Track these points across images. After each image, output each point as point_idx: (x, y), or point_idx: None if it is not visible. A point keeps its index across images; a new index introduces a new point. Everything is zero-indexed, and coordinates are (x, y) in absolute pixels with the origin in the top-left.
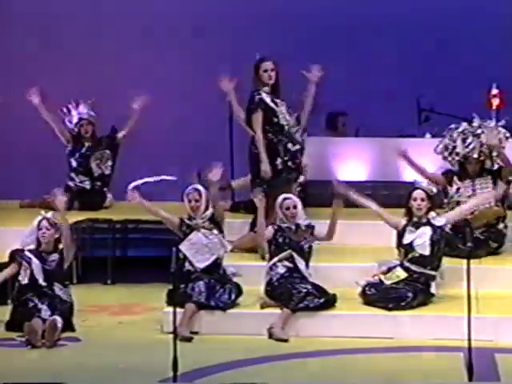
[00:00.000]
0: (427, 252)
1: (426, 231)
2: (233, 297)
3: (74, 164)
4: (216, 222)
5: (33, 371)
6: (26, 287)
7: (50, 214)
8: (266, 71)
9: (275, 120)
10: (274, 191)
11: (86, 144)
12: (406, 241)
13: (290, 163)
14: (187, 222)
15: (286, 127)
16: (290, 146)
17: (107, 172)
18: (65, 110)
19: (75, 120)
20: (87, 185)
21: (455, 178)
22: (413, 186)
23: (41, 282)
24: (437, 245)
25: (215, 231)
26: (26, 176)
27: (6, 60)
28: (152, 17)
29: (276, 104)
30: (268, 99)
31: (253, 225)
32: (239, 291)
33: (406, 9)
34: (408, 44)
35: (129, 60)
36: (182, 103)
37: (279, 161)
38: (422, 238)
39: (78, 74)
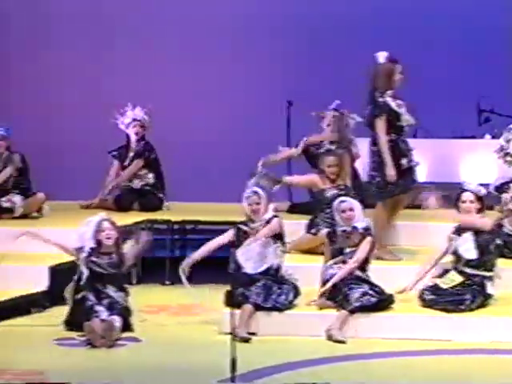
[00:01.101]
0: (474, 256)
1: (468, 236)
2: (290, 298)
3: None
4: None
5: (92, 371)
6: (82, 287)
7: (104, 215)
8: (401, 73)
9: (398, 123)
10: (404, 191)
11: (131, 154)
12: (452, 248)
13: (412, 162)
14: (243, 228)
15: (406, 128)
16: (410, 145)
17: (151, 181)
18: (122, 110)
19: (128, 120)
20: (143, 186)
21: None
22: (461, 187)
23: (97, 283)
24: (485, 247)
25: (270, 239)
26: (87, 177)
27: (59, 61)
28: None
29: (399, 106)
30: (393, 103)
31: (309, 226)
32: (296, 292)
33: (471, 9)
34: (470, 45)
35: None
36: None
37: (404, 160)
38: (465, 244)
39: (138, 77)
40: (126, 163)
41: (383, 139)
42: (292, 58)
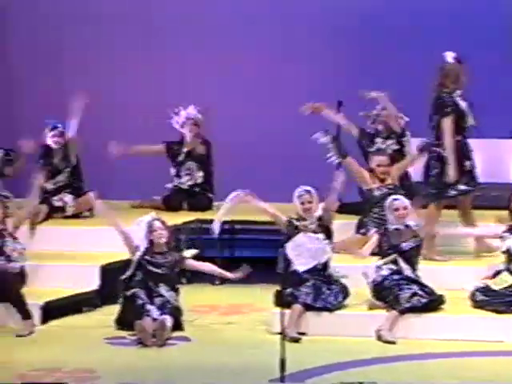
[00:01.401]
0: None
1: None
2: (339, 299)
3: (173, 170)
4: (325, 227)
5: (143, 370)
6: (134, 284)
7: (154, 215)
8: (466, 74)
9: (463, 124)
10: (464, 194)
11: (186, 148)
12: (504, 247)
13: (474, 165)
14: (295, 222)
15: (468, 129)
16: (471, 147)
17: (199, 181)
18: (176, 110)
19: (182, 119)
20: (191, 186)
21: None
22: None
23: (149, 281)
24: None
25: (321, 236)
26: (137, 177)
27: (123, 60)
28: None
29: (466, 107)
30: (462, 103)
31: (358, 226)
32: (346, 293)
33: None
34: None
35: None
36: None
37: (467, 163)
38: None
39: (189, 77)
40: (180, 159)
41: (450, 139)
42: (343, 57)
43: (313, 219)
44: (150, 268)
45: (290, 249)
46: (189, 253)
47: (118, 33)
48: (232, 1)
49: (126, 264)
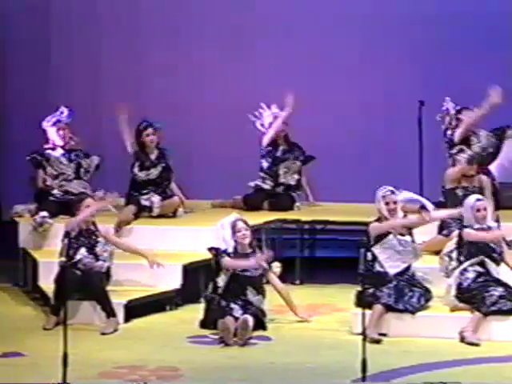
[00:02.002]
0: None
1: None
2: (422, 301)
3: (265, 165)
4: (410, 228)
5: (225, 369)
6: (222, 289)
7: (237, 215)
8: None
9: None
10: None
11: (281, 147)
12: None
13: None
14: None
15: None
16: None
17: (292, 183)
18: (256, 113)
19: (268, 121)
20: (272, 187)
21: None
22: None
23: (235, 284)
24: None
25: (409, 238)
26: (218, 176)
27: (188, 60)
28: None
29: None
30: None
31: (441, 227)
32: (429, 296)
33: None
34: None
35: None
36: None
37: None
38: None
39: (268, 78)
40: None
41: None
42: (424, 56)
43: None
44: (236, 271)
45: (379, 252)
46: (276, 266)
47: (205, 30)
48: (314, 1)
49: (207, 264)
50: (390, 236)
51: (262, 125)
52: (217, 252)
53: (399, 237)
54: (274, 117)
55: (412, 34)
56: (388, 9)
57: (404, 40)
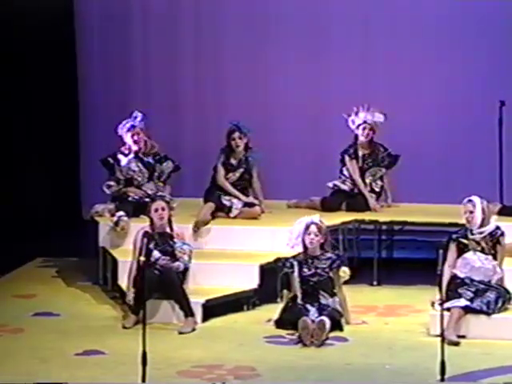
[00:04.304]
0: None
1: None
2: (499, 303)
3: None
4: (497, 243)
5: (302, 369)
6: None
7: (316, 218)
8: None
9: None
10: None
11: (361, 152)
12: None
13: None
14: (462, 240)
15: None
16: None
17: (377, 190)
18: (355, 109)
19: (358, 122)
20: (351, 189)
21: None
22: None
23: (307, 288)
24: None
25: (490, 257)
26: (295, 176)
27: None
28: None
29: None
30: None
31: None
32: (508, 298)
33: None
34: None
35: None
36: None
37: None
38: None
39: (362, 77)
40: (359, 164)
41: None
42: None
43: (483, 234)
44: (306, 275)
45: (460, 265)
46: (343, 271)
47: (283, 31)
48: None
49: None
50: (471, 252)
51: (353, 122)
52: (283, 265)
53: (479, 254)
54: (363, 120)
55: (491, 31)
56: (466, 5)
57: (482, 38)
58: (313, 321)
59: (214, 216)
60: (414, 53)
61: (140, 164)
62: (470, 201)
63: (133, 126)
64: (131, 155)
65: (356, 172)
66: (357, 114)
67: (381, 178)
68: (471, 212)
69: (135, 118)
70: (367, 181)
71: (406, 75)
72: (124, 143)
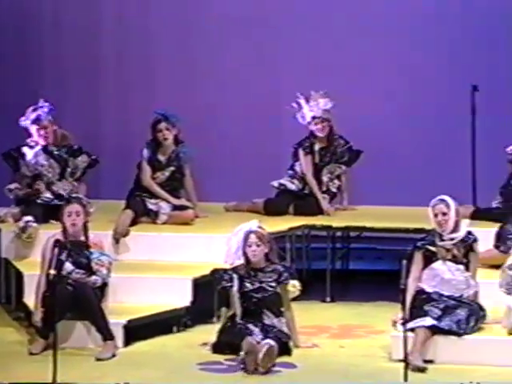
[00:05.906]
0: None
1: None
2: (472, 321)
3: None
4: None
5: None
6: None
7: (254, 225)
8: None
9: None
10: None
11: (318, 145)
12: None
13: None
14: (430, 248)
15: None
16: None
17: (333, 190)
18: (295, 105)
19: (309, 117)
20: (300, 189)
21: None
22: None
23: (249, 306)
24: None
25: (462, 267)
26: (234, 175)
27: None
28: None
29: None
30: None
31: (498, 238)
32: (481, 316)
33: None
34: None
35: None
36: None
37: None
38: None
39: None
40: (316, 160)
41: None
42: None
43: (454, 240)
44: (248, 290)
45: (426, 277)
46: (292, 286)
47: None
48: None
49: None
50: (440, 261)
51: (303, 117)
52: (221, 278)
53: (450, 264)
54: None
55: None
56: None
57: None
58: (258, 342)
59: (136, 223)
60: (378, 39)
61: (49, 157)
62: (442, 200)
63: (38, 119)
64: (38, 147)
65: (310, 169)
66: (300, 109)
67: (338, 177)
68: (444, 214)
69: (41, 107)
70: (324, 179)
71: (368, 62)
72: (30, 134)
